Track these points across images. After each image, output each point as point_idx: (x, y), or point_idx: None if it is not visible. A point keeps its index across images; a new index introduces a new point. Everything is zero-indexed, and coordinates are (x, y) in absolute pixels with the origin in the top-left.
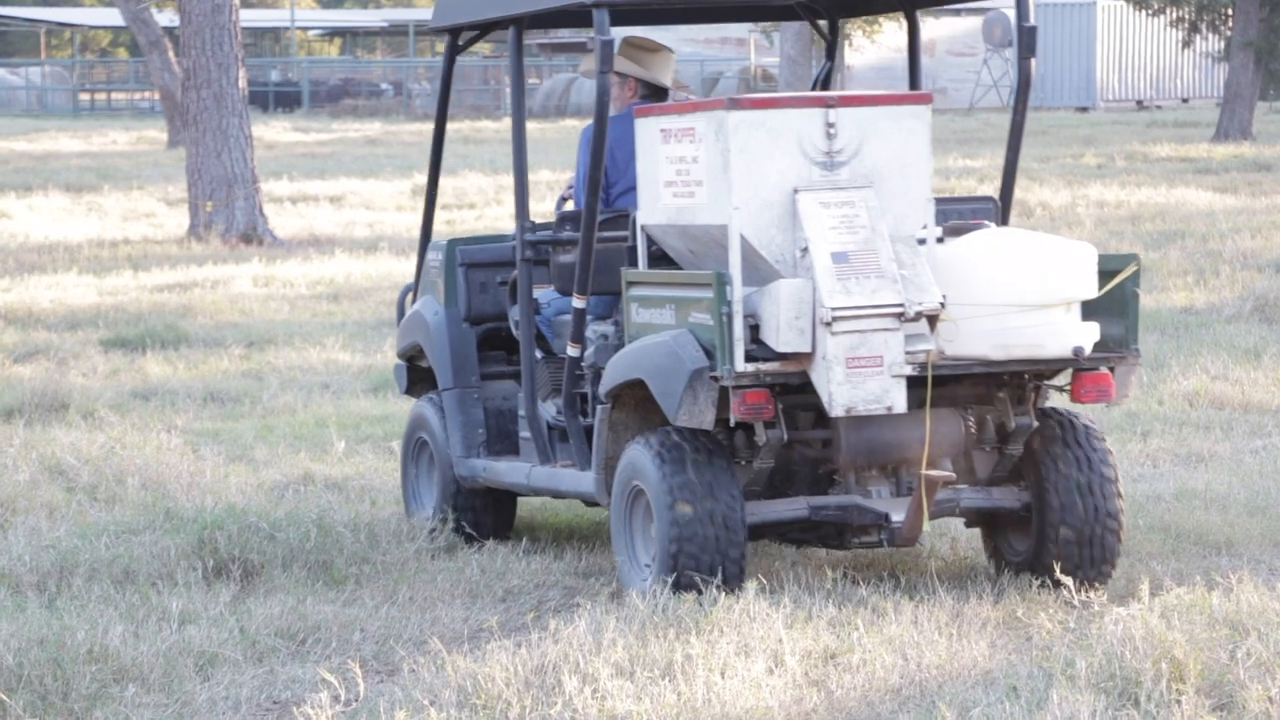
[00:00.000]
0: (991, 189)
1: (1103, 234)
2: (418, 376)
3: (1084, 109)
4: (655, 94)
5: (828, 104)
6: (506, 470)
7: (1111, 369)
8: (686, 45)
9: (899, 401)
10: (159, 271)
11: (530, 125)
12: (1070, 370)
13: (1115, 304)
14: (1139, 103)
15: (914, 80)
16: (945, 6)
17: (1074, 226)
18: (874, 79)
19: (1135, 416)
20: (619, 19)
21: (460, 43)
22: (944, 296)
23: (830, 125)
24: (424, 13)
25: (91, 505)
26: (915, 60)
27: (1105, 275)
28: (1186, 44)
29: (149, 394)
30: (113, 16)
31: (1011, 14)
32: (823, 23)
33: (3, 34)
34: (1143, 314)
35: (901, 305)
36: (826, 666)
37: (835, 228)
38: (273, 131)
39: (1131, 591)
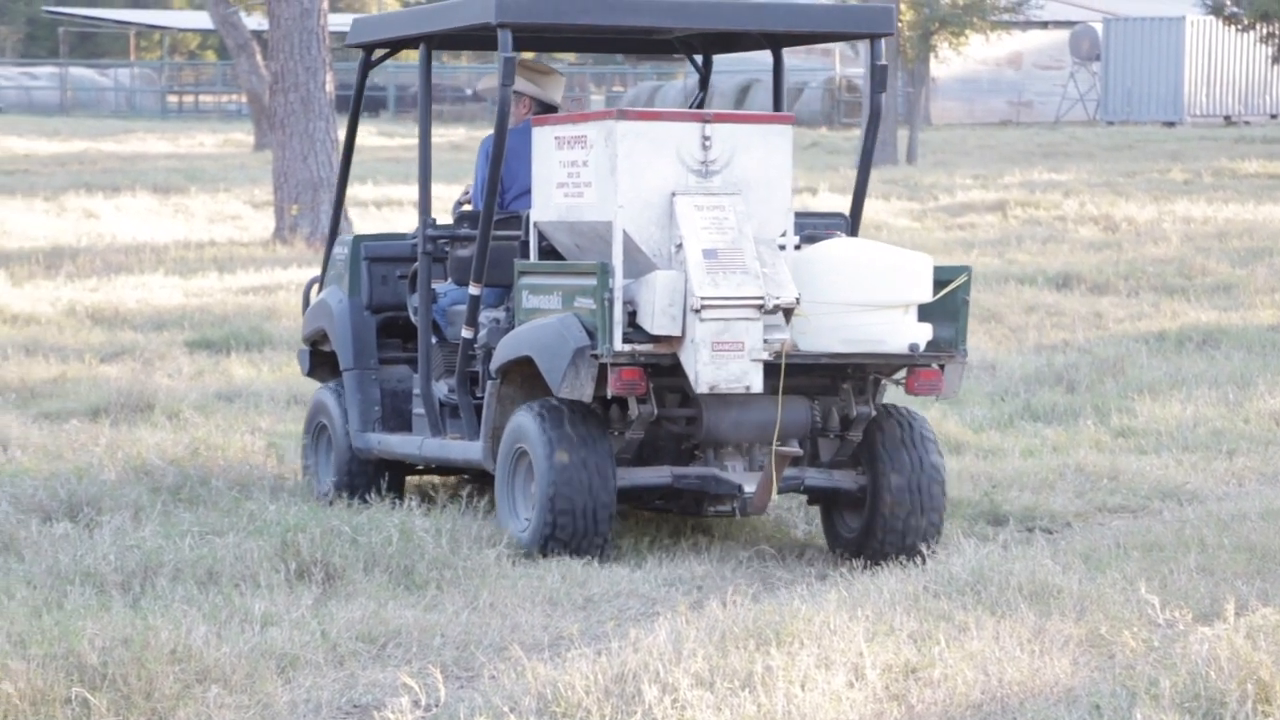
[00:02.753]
0: (1076, 204)
1: (1189, 250)
2: (320, 360)
3: (1171, 124)
4: (546, 111)
5: (704, 119)
6: (400, 443)
7: (942, 366)
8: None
9: (756, 382)
10: (244, 274)
11: None
12: (906, 367)
13: (948, 309)
14: (1227, 118)
15: (777, 104)
16: (808, 45)
17: (1159, 243)
18: (958, 90)
19: (1221, 435)
20: (520, 45)
21: (373, 59)
22: (799, 294)
23: (706, 138)
24: None
25: (175, 506)
26: (779, 89)
27: (940, 284)
28: (1276, 60)
29: (233, 396)
30: (202, 19)
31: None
32: (697, 57)
33: (92, 36)
34: (1229, 331)
35: (762, 298)
36: (907, 681)
37: (707, 228)
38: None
39: (1216, 611)
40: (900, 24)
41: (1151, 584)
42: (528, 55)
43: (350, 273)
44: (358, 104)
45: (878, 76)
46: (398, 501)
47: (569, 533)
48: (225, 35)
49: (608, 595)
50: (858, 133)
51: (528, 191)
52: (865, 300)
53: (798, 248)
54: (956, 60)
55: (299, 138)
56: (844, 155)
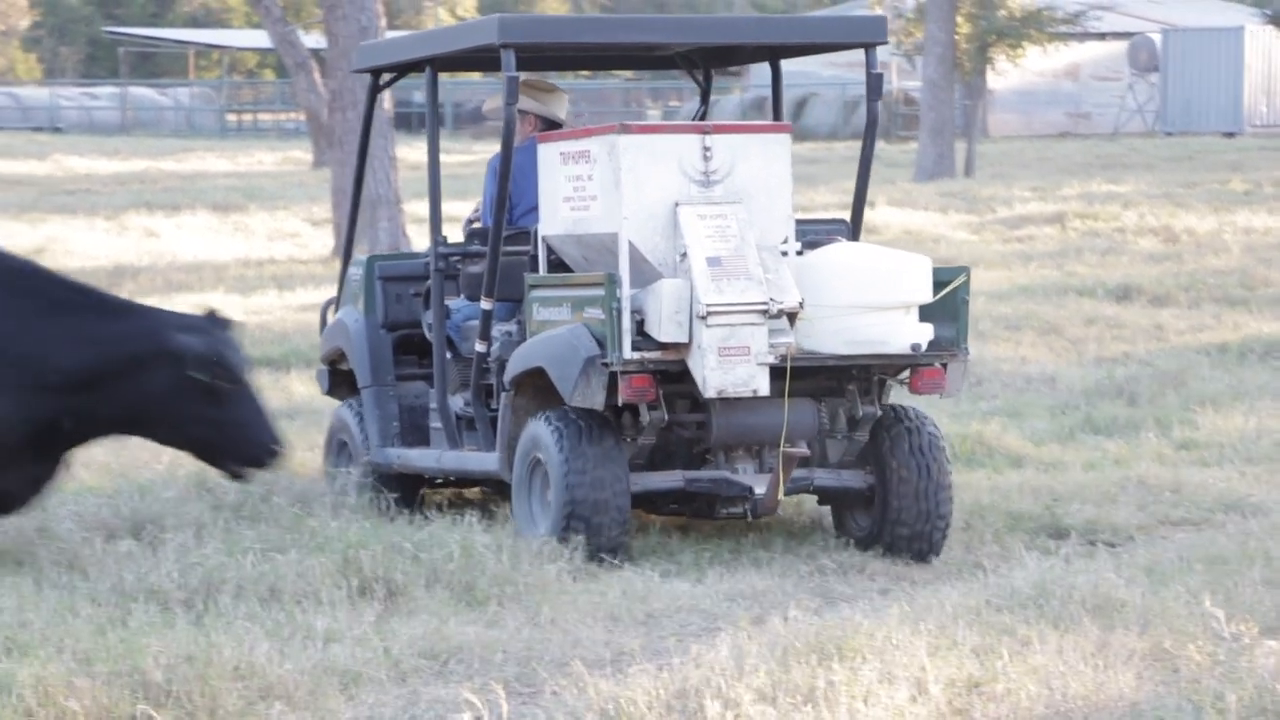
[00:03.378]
0: (1135, 215)
1: (1250, 261)
2: (339, 379)
3: (1230, 134)
4: (551, 128)
5: (704, 131)
6: (418, 457)
7: (944, 365)
8: (828, 69)
9: (763, 385)
10: (303, 291)
11: None
12: (909, 366)
13: (948, 310)
14: None
15: (777, 113)
16: (806, 55)
17: (1220, 254)
18: (1016, 102)
19: None
20: (523, 64)
21: (381, 83)
22: (802, 298)
23: (707, 149)
24: None
25: (237, 523)
26: (778, 98)
27: (940, 285)
28: None
29: (294, 413)
30: (260, 38)
31: (1158, 38)
32: (698, 72)
33: (152, 55)
34: None
35: (766, 303)
36: (970, 695)
37: (710, 236)
38: (416, 153)
39: None
40: (957, 36)
41: (1216, 597)
42: (530, 74)
43: (365, 292)
44: (366, 129)
45: (873, 84)
46: (459, 517)
47: (585, 539)
48: (283, 54)
49: (668, 610)
50: (914, 145)
51: (535, 207)
52: (867, 302)
53: (800, 253)
54: (1014, 72)
55: (357, 155)
56: (901, 168)
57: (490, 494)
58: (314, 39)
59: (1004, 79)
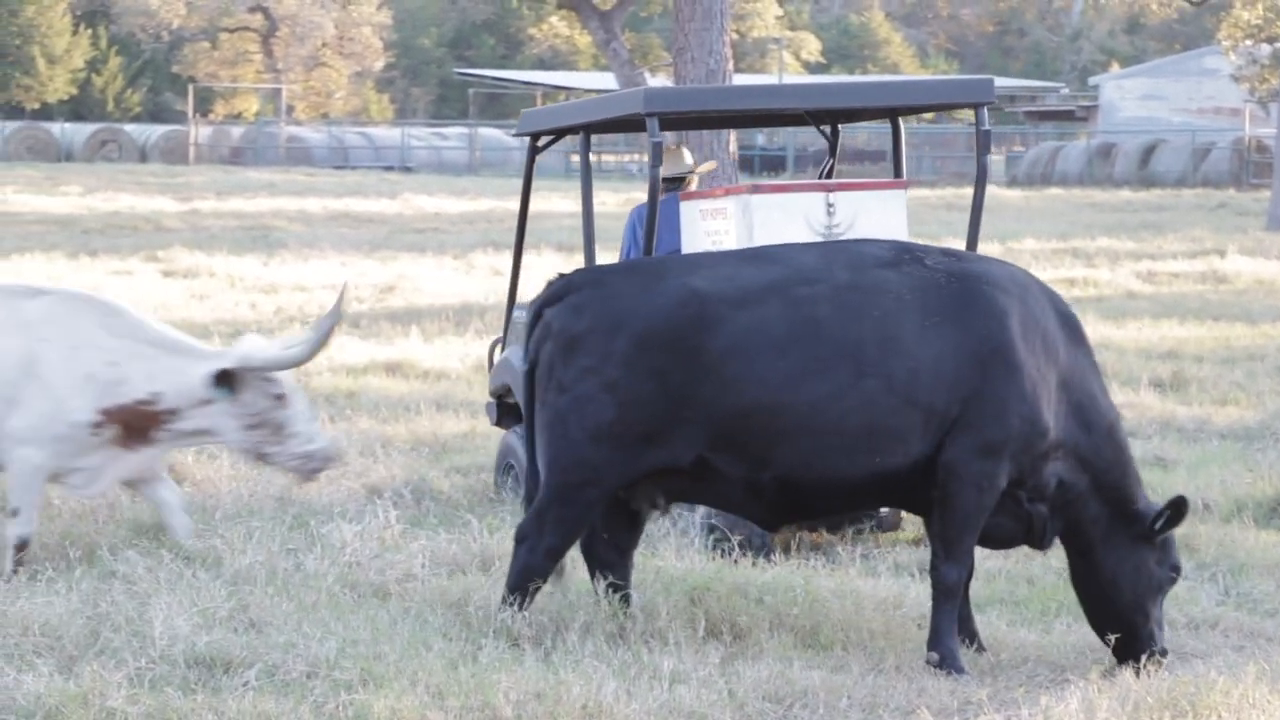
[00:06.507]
0: None
1: None
2: (505, 410)
3: None
4: (676, 182)
5: (828, 189)
6: None
7: None
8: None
9: None
10: None
11: (1013, 194)
12: None
13: None
14: None
15: (897, 170)
16: (923, 113)
17: None
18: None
19: None
20: (666, 125)
21: (539, 145)
22: None
23: (830, 205)
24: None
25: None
26: (899, 154)
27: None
28: None
29: None
30: (607, 80)
31: None
32: (825, 128)
33: (500, 97)
34: None
35: None
36: None
37: None
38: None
39: None
40: None
41: None
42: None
43: (528, 333)
44: (527, 184)
45: (982, 141)
46: (803, 561)
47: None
48: None
49: (1015, 661)
50: (1268, 194)
51: (672, 251)
52: None
53: None
54: None
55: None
56: (1253, 216)
57: (834, 538)
58: (660, 81)
59: None
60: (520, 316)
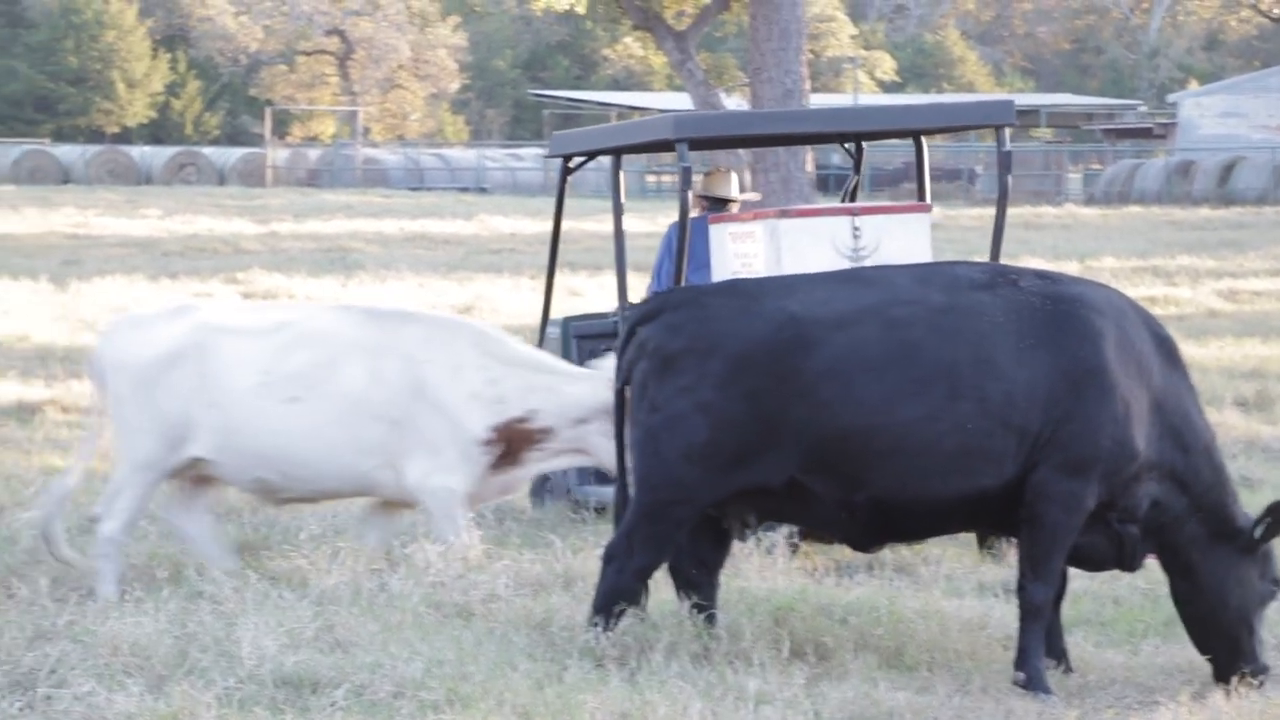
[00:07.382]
0: None
1: None
2: None
3: None
4: (717, 204)
5: (854, 213)
6: (609, 494)
7: None
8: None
9: None
10: None
11: (1091, 212)
12: None
13: None
14: None
15: (921, 193)
16: (947, 133)
17: None
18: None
19: None
20: (695, 146)
21: (571, 166)
22: None
23: (856, 229)
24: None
25: (665, 584)
26: (922, 176)
27: None
28: None
29: None
30: (682, 100)
31: None
32: (849, 146)
33: (575, 117)
34: None
35: None
36: None
37: None
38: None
39: None
40: None
41: None
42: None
43: (563, 349)
44: (560, 202)
45: (1003, 161)
46: (888, 582)
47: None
48: None
49: (1103, 682)
50: None
51: (701, 267)
52: None
53: None
54: None
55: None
56: None
57: (909, 560)
58: (735, 101)
59: None
60: (554, 332)
